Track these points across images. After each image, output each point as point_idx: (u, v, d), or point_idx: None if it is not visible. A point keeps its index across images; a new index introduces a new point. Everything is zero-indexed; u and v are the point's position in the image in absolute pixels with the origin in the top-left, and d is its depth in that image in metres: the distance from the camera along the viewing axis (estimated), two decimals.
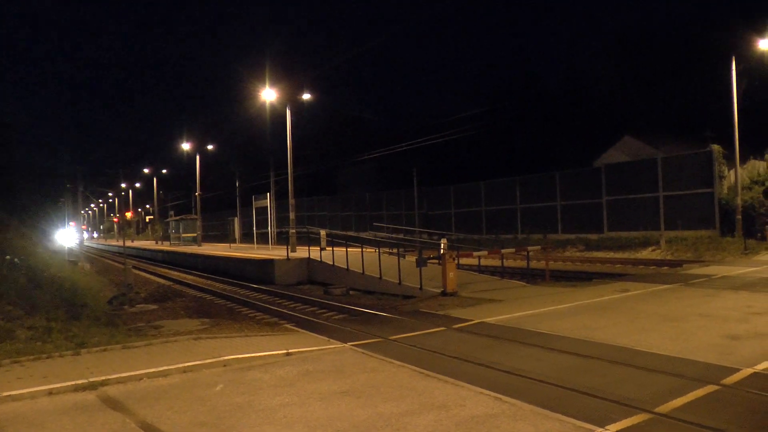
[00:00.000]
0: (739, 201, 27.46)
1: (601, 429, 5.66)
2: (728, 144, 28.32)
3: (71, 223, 59.57)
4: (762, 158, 32.59)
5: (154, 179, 76.90)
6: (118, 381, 7.84)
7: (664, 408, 6.15)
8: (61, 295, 15.83)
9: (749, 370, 7.35)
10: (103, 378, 7.82)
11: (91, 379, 7.73)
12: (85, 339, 10.40)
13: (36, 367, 8.45)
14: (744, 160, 30.70)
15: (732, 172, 29.24)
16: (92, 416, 6.56)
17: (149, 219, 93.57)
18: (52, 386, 7.47)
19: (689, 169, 30.59)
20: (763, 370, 7.39)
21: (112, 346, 9.84)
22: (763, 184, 29.04)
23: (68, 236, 46.76)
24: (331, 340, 10.39)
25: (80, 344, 9.93)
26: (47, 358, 9.04)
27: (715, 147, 29.58)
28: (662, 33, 55.60)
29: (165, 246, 54.13)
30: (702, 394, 6.56)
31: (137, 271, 34.54)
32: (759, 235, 26.62)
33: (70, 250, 37.90)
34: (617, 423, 5.79)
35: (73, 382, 7.62)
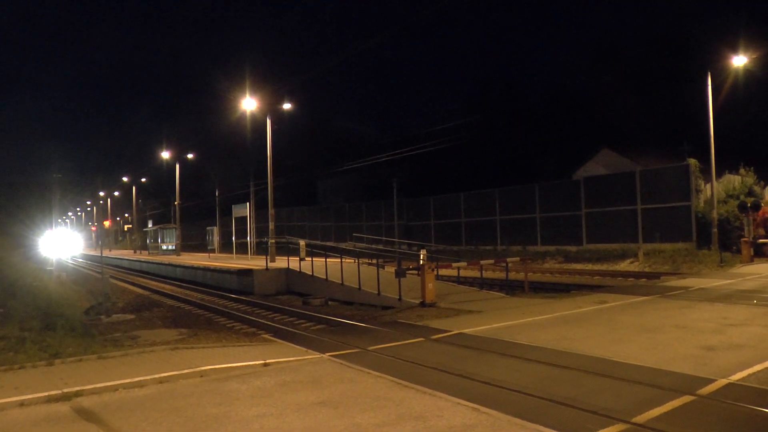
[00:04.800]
0: (715, 214, 27.82)
1: None
2: (704, 158, 28.72)
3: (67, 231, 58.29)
4: (737, 173, 33.09)
5: (133, 188, 76.23)
6: (93, 392, 7.71)
7: (641, 418, 6.18)
8: (35, 304, 15.60)
9: (724, 381, 7.43)
10: (78, 389, 7.69)
11: (65, 390, 7.61)
12: (59, 349, 10.22)
13: (7, 378, 8.30)
14: (720, 174, 31.17)
15: (708, 186, 29.64)
16: (65, 428, 6.46)
17: (128, 228, 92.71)
18: (23, 397, 7.33)
19: (667, 183, 30.96)
20: (738, 380, 7.47)
21: (88, 357, 9.69)
22: (738, 198, 29.46)
23: (60, 245, 44.24)
24: (310, 351, 10.33)
25: (54, 355, 9.76)
26: (20, 368, 8.88)
27: (692, 161, 29.98)
28: (641, 48, 56.48)
29: (143, 255, 53.63)
30: (678, 405, 6.61)
31: (115, 281, 34.19)
32: (734, 248, 26.97)
33: (58, 262, 36.47)
34: None
35: (46, 393, 7.49)
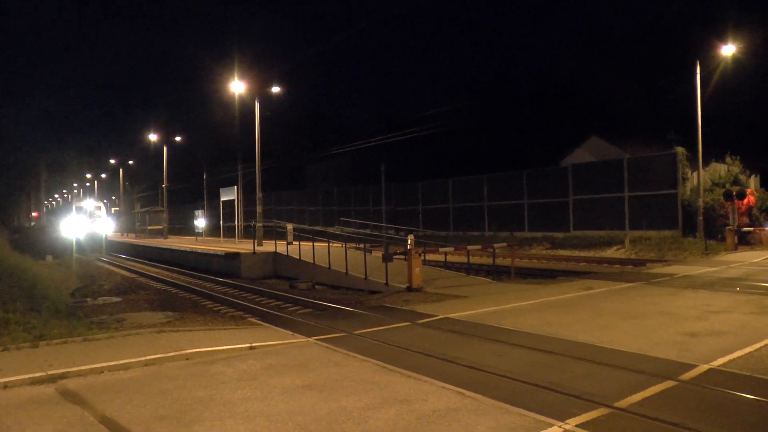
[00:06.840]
0: (701, 203, 28.01)
1: (560, 423, 5.72)
2: (692, 147, 28.87)
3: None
4: (723, 161, 33.29)
5: (120, 170, 75.71)
6: (78, 374, 7.69)
7: (623, 403, 6.25)
8: (20, 286, 15.51)
9: (705, 367, 7.52)
10: (63, 371, 7.68)
11: (50, 372, 7.58)
12: (44, 331, 10.17)
13: None
14: (706, 162, 31.33)
15: (695, 174, 29.82)
16: (49, 410, 6.43)
17: (115, 210, 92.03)
18: (7, 379, 7.30)
19: (654, 171, 31.11)
20: (719, 366, 7.56)
21: (73, 339, 9.65)
22: (724, 187, 29.68)
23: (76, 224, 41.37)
24: (296, 334, 10.34)
25: (39, 337, 9.71)
26: (3, 350, 8.83)
27: (679, 149, 30.12)
28: (630, 36, 56.55)
29: (130, 238, 53.35)
30: (660, 390, 6.68)
31: (101, 263, 34.05)
32: (719, 236, 27.17)
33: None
34: (577, 417, 5.87)
35: (30, 375, 7.46)
